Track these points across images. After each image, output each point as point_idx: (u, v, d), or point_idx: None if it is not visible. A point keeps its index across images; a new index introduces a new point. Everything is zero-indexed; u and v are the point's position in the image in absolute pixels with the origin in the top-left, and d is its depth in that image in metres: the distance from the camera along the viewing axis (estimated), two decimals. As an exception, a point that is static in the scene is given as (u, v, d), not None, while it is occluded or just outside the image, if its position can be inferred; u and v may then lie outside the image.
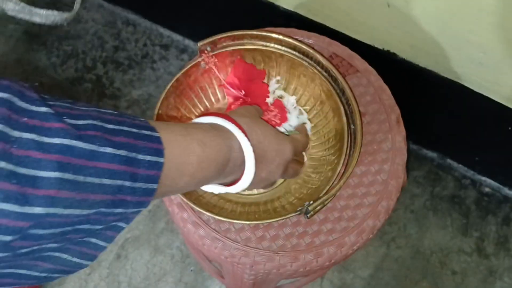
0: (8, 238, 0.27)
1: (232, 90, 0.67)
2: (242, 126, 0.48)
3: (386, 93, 0.72)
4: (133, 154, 0.33)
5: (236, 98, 0.67)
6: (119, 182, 0.32)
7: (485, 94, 0.92)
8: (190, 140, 0.41)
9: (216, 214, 0.59)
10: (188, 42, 1.34)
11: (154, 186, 0.35)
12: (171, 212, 0.67)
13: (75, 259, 0.34)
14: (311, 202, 0.57)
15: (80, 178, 0.30)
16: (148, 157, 0.34)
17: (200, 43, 0.64)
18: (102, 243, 0.35)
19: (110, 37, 1.36)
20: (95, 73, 1.32)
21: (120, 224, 0.35)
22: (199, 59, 0.65)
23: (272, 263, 0.63)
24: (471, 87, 0.93)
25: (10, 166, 0.27)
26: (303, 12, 0.98)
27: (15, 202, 0.27)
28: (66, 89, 1.30)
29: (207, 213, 0.59)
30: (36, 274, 0.33)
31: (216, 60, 0.64)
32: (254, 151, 0.47)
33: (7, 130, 0.27)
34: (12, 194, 0.26)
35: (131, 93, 1.29)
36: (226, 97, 0.69)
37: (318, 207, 0.57)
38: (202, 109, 0.69)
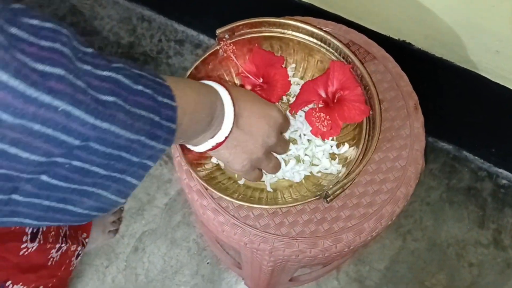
0: (76, 142, 0.32)
1: (251, 77, 0.67)
2: (230, 90, 0.52)
3: (404, 79, 0.72)
4: (155, 95, 0.39)
5: (254, 86, 0.67)
6: (151, 115, 0.38)
7: (502, 83, 0.92)
8: (189, 89, 0.46)
9: (236, 200, 0.60)
10: (202, 37, 1.35)
11: (173, 126, 0.41)
12: (190, 200, 0.68)
13: (113, 197, 0.39)
14: (331, 186, 0.57)
15: (127, 106, 0.36)
16: (165, 100, 0.40)
17: (218, 31, 0.65)
18: (134, 181, 0.40)
19: (125, 33, 1.38)
20: (110, 69, 1.34)
21: (149, 162, 0.40)
22: (217, 47, 0.66)
23: (291, 249, 0.63)
24: (488, 77, 0.92)
25: (83, 85, 0.32)
26: (318, 3, 0.98)
27: (91, 114, 0.32)
28: (82, 85, 1.32)
29: (227, 198, 0.59)
30: (80, 211, 0.37)
31: (234, 47, 0.65)
32: (236, 107, 0.52)
33: (73, 59, 0.32)
34: (89, 106, 0.32)
35: (146, 88, 1.30)
36: (244, 85, 0.70)
37: (338, 191, 0.57)
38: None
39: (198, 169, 0.64)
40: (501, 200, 1.16)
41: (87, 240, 1.06)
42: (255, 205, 0.59)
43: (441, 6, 0.82)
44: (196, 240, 1.15)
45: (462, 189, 1.18)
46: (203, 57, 0.66)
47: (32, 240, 0.79)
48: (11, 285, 0.79)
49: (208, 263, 1.13)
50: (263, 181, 0.65)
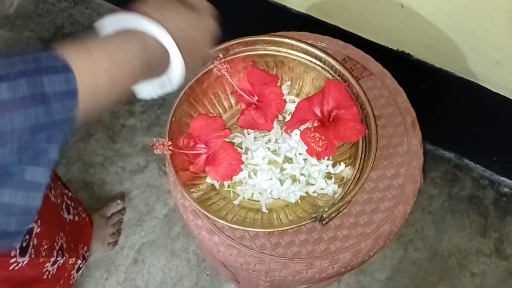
0: None
1: (245, 96, 0.66)
2: (155, 15, 0.47)
3: (401, 95, 0.71)
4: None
5: (249, 104, 0.67)
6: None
7: (502, 93, 0.90)
8: (94, 58, 0.41)
9: (230, 222, 0.59)
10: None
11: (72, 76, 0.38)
12: (186, 219, 0.67)
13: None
14: (326, 209, 0.57)
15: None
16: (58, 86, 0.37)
17: (212, 50, 0.64)
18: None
19: (123, 42, 1.37)
20: (109, 79, 1.33)
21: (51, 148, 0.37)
22: (212, 66, 0.65)
23: (287, 269, 0.63)
24: (488, 87, 0.91)
25: None
26: (316, 14, 0.97)
27: None
28: (81, 94, 1.31)
29: (221, 221, 0.58)
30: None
31: (228, 66, 0.64)
32: (174, 36, 0.47)
33: None
34: None
35: (145, 97, 1.30)
36: (239, 103, 0.69)
37: (333, 214, 0.56)
38: (215, 115, 0.69)
39: (192, 190, 0.63)
40: (503, 209, 1.15)
41: (88, 253, 1.05)
42: (250, 229, 0.58)
43: (441, 17, 0.81)
44: (196, 251, 1.14)
45: (464, 198, 1.17)
46: (197, 76, 0.65)
47: (22, 254, 0.78)
48: None
49: (208, 274, 1.12)
50: (259, 201, 0.65)
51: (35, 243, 0.81)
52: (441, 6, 0.79)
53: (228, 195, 0.66)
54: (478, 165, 1.18)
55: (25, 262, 0.78)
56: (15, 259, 0.76)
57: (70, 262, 0.96)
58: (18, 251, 0.76)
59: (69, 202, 1.01)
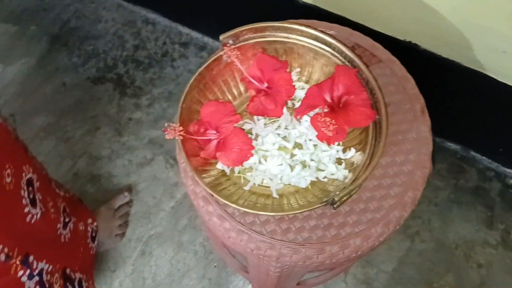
0: None
1: (255, 82, 0.66)
2: None
3: (410, 82, 0.71)
4: None
5: (259, 91, 0.67)
6: None
7: (509, 83, 0.91)
8: None
9: (241, 206, 0.59)
10: (207, 39, 1.34)
11: None
12: (196, 206, 0.67)
13: None
14: (337, 192, 0.57)
15: None
16: None
17: (222, 36, 0.64)
18: None
19: (130, 36, 1.37)
20: (116, 72, 1.34)
21: None
22: (221, 53, 0.65)
23: (298, 255, 0.63)
24: (495, 77, 0.91)
25: None
26: (322, 5, 0.97)
27: None
28: (87, 88, 1.32)
29: (233, 205, 0.59)
30: None
31: (238, 53, 0.65)
32: None
33: None
34: None
35: (152, 91, 1.30)
36: (248, 90, 0.69)
37: (345, 198, 0.57)
38: (225, 101, 0.69)
39: (203, 175, 0.63)
40: (509, 200, 1.15)
41: (95, 224, 1.05)
42: (261, 212, 0.58)
43: (447, 7, 0.81)
44: (203, 243, 1.14)
45: (470, 189, 1.17)
46: (207, 63, 0.65)
47: (33, 205, 0.77)
48: (35, 262, 0.77)
49: (215, 266, 1.12)
50: (269, 187, 0.65)
51: (40, 198, 0.81)
52: (448, -6, 0.79)
53: (239, 181, 0.66)
54: (484, 157, 1.18)
55: (38, 215, 0.78)
56: (28, 208, 0.75)
57: (81, 228, 0.96)
58: (28, 200, 0.75)
59: (54, 181, 1.02)
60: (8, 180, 0.71)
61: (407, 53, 0.93)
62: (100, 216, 1.11)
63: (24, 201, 0.74)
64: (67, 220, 0.90)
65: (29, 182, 0.78)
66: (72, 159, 1.24)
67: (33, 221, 0.76)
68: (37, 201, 0.79)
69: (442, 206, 1.16)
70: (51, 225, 0.84)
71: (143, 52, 1.35)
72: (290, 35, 0.66)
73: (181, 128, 0.60)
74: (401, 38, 0.94)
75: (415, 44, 0.94)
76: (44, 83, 1.33)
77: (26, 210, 0.75)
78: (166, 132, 0.60)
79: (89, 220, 1.04)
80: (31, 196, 0.77)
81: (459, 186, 1.17)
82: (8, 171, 0.72)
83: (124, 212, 1.16)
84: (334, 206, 0.56)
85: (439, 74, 0.98)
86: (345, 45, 0.64)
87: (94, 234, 1.02)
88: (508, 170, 1.17)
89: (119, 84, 1.32)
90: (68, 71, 1.35)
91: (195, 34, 1.36)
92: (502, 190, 1.16)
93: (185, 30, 1.37)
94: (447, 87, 1.02)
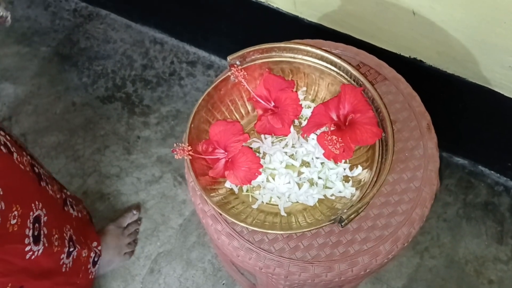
0: None
1: (262, 102, 0.67)
2: None
3: (416, 99, 0.72)
4: None
5: (266, 110, 0.68)
6: None
7: (516, 98, 0.91)
8: None
9: (249, 225, 0.60)
10: (214, 58, 1.36)
11: None
12: (205, 224, 0.68)
13: None
14: (345, 210, 0.57)
15: None
16: None
17: (229, 57, 0.65)
18: None
19: (138, 56, 1.40)
20: (124, 92, 1.35)
21: None
22: (229, 73, 0.66)
23: (306, 273, 0.63)
24: (501, 92, 0.91)
25: None
26: (328, 23, 0.99)
27: None
28: (97, 107, 1.34)
29: (241, 224, 0.59)
30: None
31: (245, 73, 0.66)
32: None
33: None
34: None
35: (160, 109, 1.32)
36: (256, 109, 0.70)
37: (353, 216, 0.57)
38: (234, 120, 0.70)
39: (211, 194, 0.64)
40: (520, 215, 1.14)
41: (99, 248, 1.06)
42: (269, 231, 0.59)
43: (452, 23, 0.82)
44: (211, 261, 1.14)
45: (479, 205, 1.16)
46: (215, 84, 0.66)
47: (36, 242, 0.79)
48: None
49: (224, 284, 1.12)
50: (277, 205, 0.65)
51: (45, 232, 0.82)
52: (452, 12, 0.80)
53: (247, 199, 0.66)
54: (492, 172, 1.18)
55: (40, 251, 0.80)
56: (30, 247, 0.77)
57: (84, 255, 0.97)
58: (31, 239, 0.77)
59: (70, 199, 1.03)
60: (14, 221, 0.73)
61: (413, 69, 0.94)
62: (109, 234, 1.11)
63: (26, 241, 0.77)
64: (71, 249, 0.92)
65: (36, 219, 0.80)
66: (82, 178, 1.25)
67: (33, 257, 0.79)
68: (42, 236, 0.82)
69: (451, 222, 1.15)
70: (54, 257, 0.86)
71: (151, 71, 1.37)
72: (296, 55, 0.67)
73: (189, 147, 0.61)
74: (406, 55, 0.95)
75: (420, 61, 0.95)
76: (55, 102, 1.35)
77: (27, 248, 0.77)
78: (175, 152, 0.60)
79: (94, 243, 1.05)
80: (36, 232, 0.79)
81: (468, 201, 1.17)
82: (15, 212, 0.74)
83: (133, 230, 1.17)
84: (342, 224, 0.56)
85: (445, 89, 0.99)
86: (350, 64, 0.65)
87: (96, 259, 1.03)
88: (517, 185, 1.16)
89: (128, 103, 1.34)
90: (78, 91, 1.37)
91: (202, 53, 1.37)
92: (511, 204, 1.15)
93: (192, 49, 1.39)
94: (454, 102, 1.03)
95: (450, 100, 1.02)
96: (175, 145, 0.62)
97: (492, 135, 1.06)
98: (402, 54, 0.95)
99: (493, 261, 1.11)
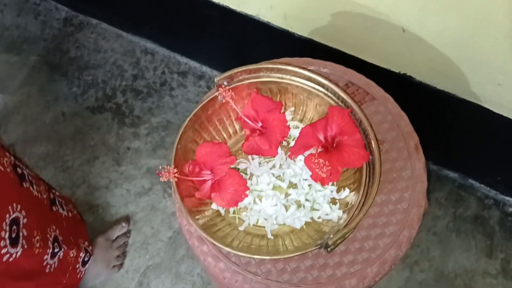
0: None
1: (250, 122, 0.67)
2: None
3: (404, 119, 0.72)
4: None
5: (253, 130, 0.67)
6: None
7: (505, 114, 0.91)
8: None
9: (235, 249, 0.59)
10: (205, 68, 1.35)
11: None
12: (191, 245, 0.67)
13: None
14: (331, 235, 0.57)
15: None
16: None
17: (217, 78, 0.65)
18: None
19: (129, 66, 1.39)
20: (115, 102, 1.34)
21: None
22: (216, 93, 0.66)
23: (293, 296, 0.63)
24: (491, 108, 0.91)
25: None
26: (318, 38, 0.98)
27: None
28: (86, 118, 1.33)
29: (227, 248, 0.59)
30: None
31: (233, 93, 0.65)
32: None
33: None
34: None
35: (150, 120, 1.31)
36: (243, 129, 0.70)
37: (339, 241, 0.57)
38: (220, 142, 0.70)
39: (197, 216, 0.63)
40: (509, 229, 1.14)
41: (90, 247, 1.05)
42: (255, 256, 0.58)
43: (442, 40, 0.82)
44: (201, 274, 1.14)
45: (469, 218, 1.16)
46: (202, 104, 0.66)
47: (13, 245, 0.78)
48: None
49: (213, 297, 1.12)
50: (264, 227, 0.65)
51: (25, 234, 0.81)
52: (442, 29, 0.80)
53: (233, 221, 0.66)
54: (482, 185, 1.18)
55: (18, 253, 0.79)
56: (6, 249, 0.76)
57: (71, 255, 0.96)
58: (8, 241, 0.76)
59: (60, 199, 1.02)
60: None
61: (403, 85, 0.94)
62: (98, 246, 1.10)
63: (2, 243, 0.75)
64: (56, 250, 0.90)
65: (14, 221, 0.79)
66: (71, 189, 1.24)
67: (11, 259, 0.77)
68: (20, 238, 0.80)
69: (441, 235, 1.15)
70: (35, 259, 0.85)
71: (142, 81, 1.36)
72: (284, 75, 0.67)
73: (175, 170, 0.61)
74: (396, 71, 0.95)
75: (410, 77, 0.95)
76: (44, 112, 1.34)
77: (4, 251, 0.75)
78: (160, 175, 0.60)
79: (86, 243, 1.04)
80: (14, 234, 0.78)
81: (458, 214, 1.17)
82: None
83: (122, 243, 1.16)
84: (328, 249, 0.56)
85: (435, 104, 0.99)
86: (337, 85, 0.65)
87: (86, 259, 1.02)
88: (507, 198, 1.17)
89: (118, 113, 1.33)
90: (68, 101, 1.36)
91: (193, 64, 1.37)
92: (501, 218, 1.16)
93: (183, 59, 1.38)
94: (444, 117, 1.03)
95: (440, 114, 1.02)
96: (160, 167, 0.61)
97: (482, 149, 1.07)
98: (392, 69, 0.95)
99: (483, 275, 1.11)
